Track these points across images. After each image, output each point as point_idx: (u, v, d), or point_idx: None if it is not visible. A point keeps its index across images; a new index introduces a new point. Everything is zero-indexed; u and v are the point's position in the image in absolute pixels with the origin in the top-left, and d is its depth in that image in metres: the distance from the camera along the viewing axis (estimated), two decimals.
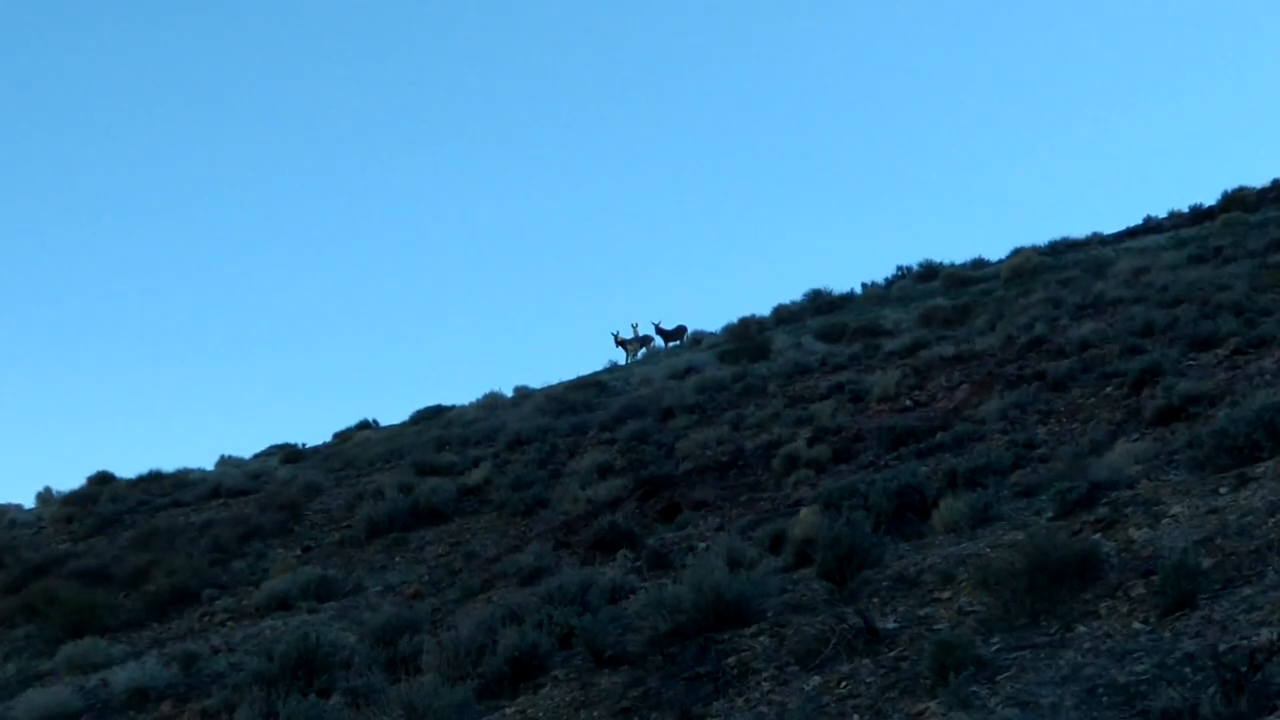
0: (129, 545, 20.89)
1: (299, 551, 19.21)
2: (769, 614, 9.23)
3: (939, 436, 15.91)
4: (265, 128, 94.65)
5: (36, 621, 16.84)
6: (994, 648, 7.49)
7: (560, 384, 29.83)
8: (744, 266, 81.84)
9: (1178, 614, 7.22)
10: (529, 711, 8.93)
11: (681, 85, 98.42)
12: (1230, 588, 7.41)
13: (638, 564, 13.62)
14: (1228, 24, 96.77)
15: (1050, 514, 10.08)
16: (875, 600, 9.03)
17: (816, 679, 7.84)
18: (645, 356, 33.66)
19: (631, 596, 11.07)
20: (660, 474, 17.92)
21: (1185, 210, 35.12)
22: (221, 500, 23.83)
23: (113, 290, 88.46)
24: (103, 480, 26.64)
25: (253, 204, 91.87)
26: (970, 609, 8.33)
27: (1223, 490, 9.34)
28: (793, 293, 40.31)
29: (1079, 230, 36.08)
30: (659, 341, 34.44)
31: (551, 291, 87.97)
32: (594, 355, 64.18)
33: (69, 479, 36.95)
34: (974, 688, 6.91)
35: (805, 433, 18.05)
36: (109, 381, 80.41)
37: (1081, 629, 7.47)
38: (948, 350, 21.20)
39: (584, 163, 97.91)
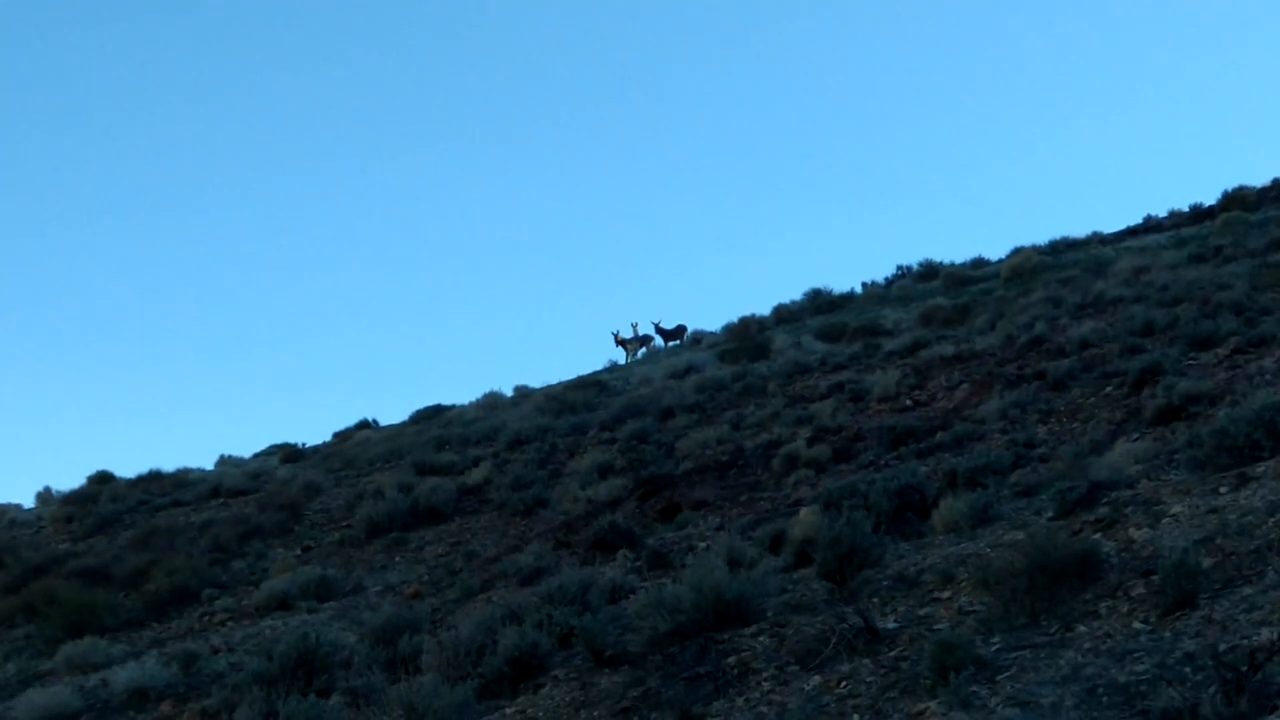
0: (129, 545, 20.89)
1: (299, 551, 19.21)
2: (769, 614, 9.23)
3: (939, 436, 15.91)
4: (265, 127, 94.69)
5: (36, 621, 16.85)
6: (994, 648, 7.48)
7: (560, 384, 29.84)
8: (744, 266, 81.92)
9: (1178, 614, 7.22)
10: (529, 711, 8.93)
11: (681, 85, 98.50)
12: (1230, 587, 7.41)
13: (638, 564, 13.62)
14: (1228, 24, 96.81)
15: (1050, 514, 10.08)
16: (875, 600, 9.03)
17: (816, 679, 7.84)
18: (645, 356, 33.66)
19: (631, 596, 11.07)
20: (660, 474, 17.92)
21: (1185, 209, 35.12)
22: (221, 500, 23.83)
23: (113, 290, 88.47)
24: (102, 480, 26.65)
25: (253, 204, 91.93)
26: (970, 609, 8.33)
27: (1223, 490, 9.34)
28: (793, 292, 40.30)
29: (1079, 230, 36.11)
30: (659, 341, 34.44)
31: (551, 291, 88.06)
32: (594, 355, 64.18)
33: (69, 479, 37.02)
34: (974, 688, 6.91)
35: (805, 432, 18.05)
36: (109, 381, 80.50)
37: (1081, 629, 7.46)
38: (948, 350, 21.19)
39: (584, 163, 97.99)
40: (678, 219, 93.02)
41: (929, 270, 34.54)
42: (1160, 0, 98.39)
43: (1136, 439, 13.07)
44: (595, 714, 8.54)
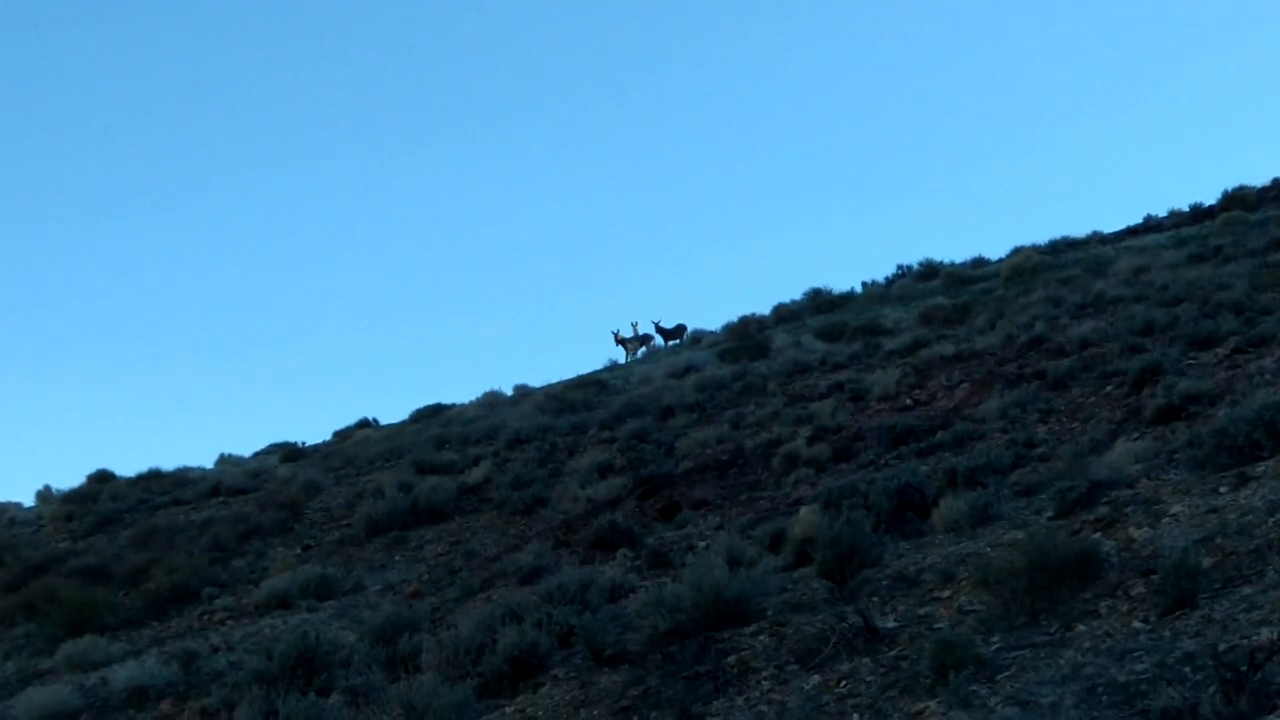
0: (129, 544, 20.89)
1: (299, 550, 19.20)
2: (769, 613, 9.23)
3: (939, 435, 15.90)
4: (265, 127, 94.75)
5: (36, 620, 16.85)
6: (994, 647, 7.48)
7: (560, 382, 29.83)
8: (744, 266, 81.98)
9: (1178, 613, 7.22)
10: (529, 710, 8.93)
11: (681, 85, 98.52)
12: (1230, 587, 7.41)
13: (637, 563, 13.62)
14: (1228, 24, 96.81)
15: (1050, 513, 10.08)
16: (875, 599, 9.03)
17: (816, 678, 7.84)
18: (645, 355, 33.67)
19: (631, 595, 11.07)
20: (660, 473, 17.91)
21: (1185, 209, 35.13)
22: (221, 499, 23.82)
23: (113, 290, 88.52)
24: (102, 479, 26.65)
25: (253, 204, 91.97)
26: (970, 608, 8.33)
27: (1223, 489, 9.34)
28: (793, 292, 40.19)
29: (1079, 229, 36.19)
30: (659, 340, 34.45)
31: (551, 291, 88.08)
32: (594, 354, 64.12)
33: (69, 477, 37.09)
34: (974, 687, 6.91)
35: (805, 432, 18.05)
36: (109, 380, 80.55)
37: (1081, 628, 7.46)
38: (948, 349, 21.19)
39: (584, 162, 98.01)
40: (678, 219, 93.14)
41: (929, 270, 34.54)
42: (1160, 0, 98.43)
43: (1136, 438, 13.07)
44: (595, 713, 8.54)
